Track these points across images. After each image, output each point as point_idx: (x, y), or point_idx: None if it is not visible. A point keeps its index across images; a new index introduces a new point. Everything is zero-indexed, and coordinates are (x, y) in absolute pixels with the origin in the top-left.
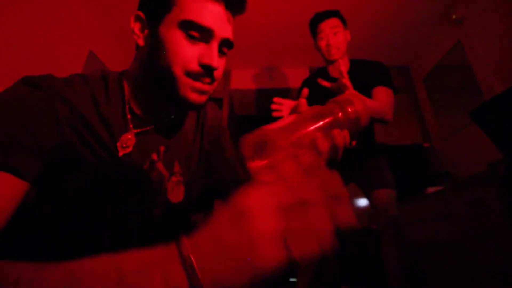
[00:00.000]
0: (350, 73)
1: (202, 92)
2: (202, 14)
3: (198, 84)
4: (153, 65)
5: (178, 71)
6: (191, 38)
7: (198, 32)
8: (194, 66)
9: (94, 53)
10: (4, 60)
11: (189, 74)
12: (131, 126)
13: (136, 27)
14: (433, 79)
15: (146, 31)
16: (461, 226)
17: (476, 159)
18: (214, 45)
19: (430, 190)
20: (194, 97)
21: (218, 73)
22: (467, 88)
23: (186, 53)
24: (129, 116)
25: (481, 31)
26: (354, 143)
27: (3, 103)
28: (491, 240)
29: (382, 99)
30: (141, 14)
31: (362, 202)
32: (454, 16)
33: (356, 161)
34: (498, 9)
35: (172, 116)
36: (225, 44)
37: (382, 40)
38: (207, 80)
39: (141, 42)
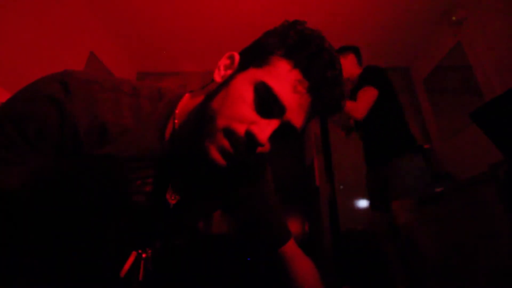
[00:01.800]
0: (357, 84)
1: (228, 157)
2: (285, 87)
3: (228, 146)
4: (207, 103)
5: (220, 124)
6: (258, 103)
7: (269, 101)
8: (239, 129)
9: (95, 54)
10: (6, 61)
11: (228, 132)
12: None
13: (224, 63)
14: (433, 80)
15: (228, 72)
16: (462, 227)
17: (477, 160)
18: (275, 122)
19: None
20: (216, 156)
21: (260, 151)
22: (467, 89)
23: (242, 113)
24: (166, 139)
25: (481, 32)
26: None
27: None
28: (491, 241)
29: (358, 100)
30: (237, 56)
31: (362, 203)
32: (454, 17)
33: (378, 158)
34: (498, 10)
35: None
36: (287, 129)
37: (382, 41)
38: (243, 150)
39: (218, 78)
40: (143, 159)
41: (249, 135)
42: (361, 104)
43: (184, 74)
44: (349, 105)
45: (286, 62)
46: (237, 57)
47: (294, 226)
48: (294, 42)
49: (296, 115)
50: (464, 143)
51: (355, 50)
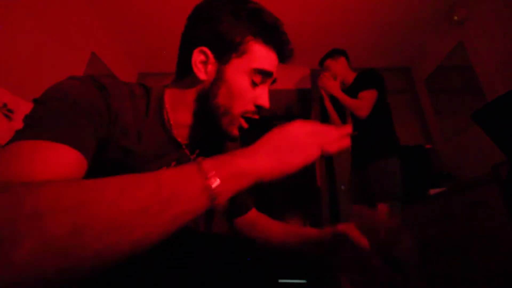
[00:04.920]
0: (351, 86)
1: (241, 129)
2: (269, 62)
3: (242, 121)
4: (210, 99)
5: (237, 112)
6: (253, 83)
7: (263, 78)
8: (251, 107)
9: (96, 54)
10: (8, 61)
11: (243, 113)
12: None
13: (199, 59)
14: (434, 80)
15: (210, 67)
16: (463, 228)
17: (478, 160)
18: (267, 86)
19: (432, 191)
20: (236, 132)
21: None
22: (469, 89)
23: (248, 97)
24: (166, 136)
25: (483, 31)
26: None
27: (73, 93)
28: (493, 242)
29: (361, 98)
30: (207, 50)
31: None
32: (455, 17)
33: (362, 160)
34: (499, 10)
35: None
36: (272, 82)
37: (383, 41)
38: (256, 116)
39: (202, 76)
40: (160, 150)
41: (259, 107)
42: (365, 103)
43: None
44: (354, 103)
45: (262, 46)
46: (208, 52)
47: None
48: (266, 27)
49: (275, 71)
50: (466, 143)
51: (345, 54)
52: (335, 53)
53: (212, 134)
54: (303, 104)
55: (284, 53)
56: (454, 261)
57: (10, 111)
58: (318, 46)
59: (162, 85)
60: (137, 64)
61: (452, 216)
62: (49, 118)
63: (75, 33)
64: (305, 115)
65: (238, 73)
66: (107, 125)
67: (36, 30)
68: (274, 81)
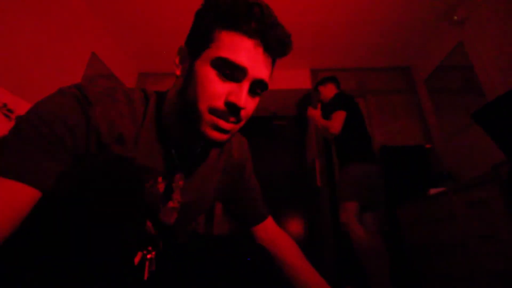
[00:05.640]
0: (329, 104)
1: (223, 131)
2: (237, 52)
3: (221, 122)
4: (183, 97)
5: (203, 107)
6: (223, 75)
7: (230, 70)
8: (219, 104)
9: (97, 54)
10: (8, 61)
11: (213, 111)
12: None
13: (178, 59)
14: (435, 80)
15: (185, 64)
16: (464, 227)
17: (478, 160)
18: (245, 84)
19: (432, 191)
20: (214, 135)
21: (245, 113)
22: (469, 89)
23: (214, 90)
24: (160, 139)
25: (483, 31)
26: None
27: (46, 110)
28: (493, 242)
29: (332, 119)
30: (185, 47)
31: None
32: (455, 17)
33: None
34: (499, 10)
35: (198, 149)
36: (258, 85)
37: (383, 41)
38: (232, 119)
39: (178, 72)
40: (151, 160)
41: (229, 104)
42: (335, 123)
43: None
44: (326, 123)
45: (226, 32)
46: (185, 49)
47: (295, 226)
48: (226, 10)
49: (258, 69)
50: (466, 143)
51: (333, 79)
52: (324, 80)
53: (196, 138)
54: (303, 104)
55: (267, 41)
56: (454, 261)
57: (10, 111)
58: (318, 46)
59: (165, 90)
60: (137, 64)
61: (452, 216)
62: (9, 146)
63: (75, 33)
64: (305, 115)
65: (204, 64)
66: (85, 139)
67: (36, 30)
68: (261, 85)
